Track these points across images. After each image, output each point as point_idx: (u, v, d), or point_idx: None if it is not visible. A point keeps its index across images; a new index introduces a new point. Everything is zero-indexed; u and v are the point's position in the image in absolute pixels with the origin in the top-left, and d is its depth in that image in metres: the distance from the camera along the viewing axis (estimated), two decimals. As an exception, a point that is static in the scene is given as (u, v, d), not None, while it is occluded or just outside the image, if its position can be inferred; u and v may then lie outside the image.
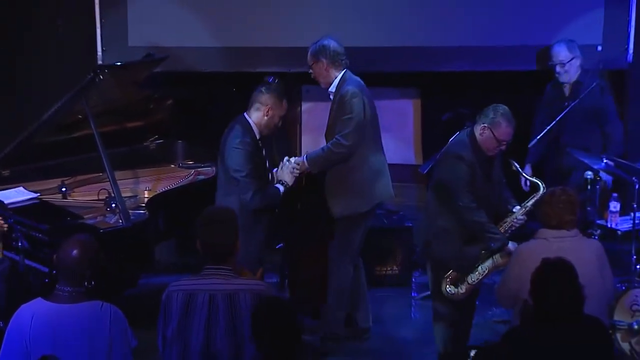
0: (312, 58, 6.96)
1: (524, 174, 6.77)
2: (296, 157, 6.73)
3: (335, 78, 6.92)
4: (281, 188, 6.51)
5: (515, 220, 6.37)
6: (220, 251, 4.94)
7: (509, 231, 6.36)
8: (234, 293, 4.77)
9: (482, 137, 6.25)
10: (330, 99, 6.96)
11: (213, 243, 4.95)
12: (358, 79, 7.01)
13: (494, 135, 6.20)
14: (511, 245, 6.24)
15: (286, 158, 6.65)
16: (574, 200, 5.76)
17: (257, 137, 6.53)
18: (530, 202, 6.39)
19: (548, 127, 7.68)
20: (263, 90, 6.56)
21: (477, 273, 6.30)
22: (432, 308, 6.67)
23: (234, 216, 5.30)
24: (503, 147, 6.34)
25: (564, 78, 7.89)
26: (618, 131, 7.98)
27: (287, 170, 6.61)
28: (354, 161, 6.89)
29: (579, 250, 5.51)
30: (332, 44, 6.93)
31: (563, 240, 5.57)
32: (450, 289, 6.35)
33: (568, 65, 7.86)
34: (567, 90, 7.96)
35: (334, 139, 6.82)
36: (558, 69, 7.87)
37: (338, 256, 7.06)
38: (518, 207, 6.41)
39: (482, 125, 6.24)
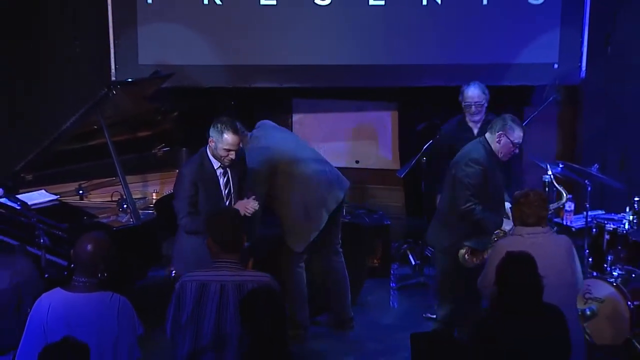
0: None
1: (555, 184, 6.89)
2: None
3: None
4: None
5: None
6: (228, 246, 4.97)
7: None
8: (242, 283, 4.81)
9: (499, 144, 6.44)
10: None
11: (222, 240, 4.98)
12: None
13: (510, 140, 6.40)
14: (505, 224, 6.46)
15: (252, 197, 6.31)
16: (545, 198, 5.88)
17: (215, 166, 6.22)
18: (554, 207, 6.68)
19: None
20: (214, 123, 6.21)
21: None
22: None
23: (238, 215, 5.32)
24: (517, 151, 6.60)
25: (477, 118, 7.48)
26: (519, 167, 7.69)
27: (243, 205, 6.23)
28: (284, 204, 6.83)
29: (550, 245, 5.55)
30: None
31: (537, 236, 5.57)
32: (467, 257, 6.44)
33: (482, 106, 7.49)
34: (475, 128, 7.49)
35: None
36: (474, 109, 7.44)
37: (291, 265, 6.93)
38: None
39: (498, 133, 6.42)
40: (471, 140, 6.99)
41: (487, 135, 6.52)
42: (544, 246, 5.40)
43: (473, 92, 7.42)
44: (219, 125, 6.15)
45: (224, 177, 6.30)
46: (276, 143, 6.89)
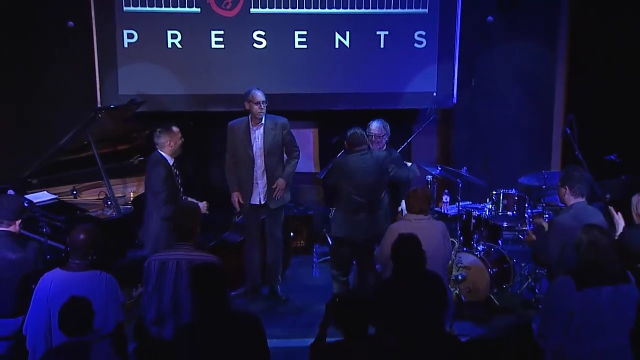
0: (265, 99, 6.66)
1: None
2: None
3: None
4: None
5: None
6: (184, 232, 4.93)
7: None
8: (193, 261, 4.77)
9: None
10: (260, 125, 6.72)
11: (180, 227, 4.95)
12: None
13: None
14: None
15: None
16: (429, 194, 6.02)
17: (170, 163, 6.27)
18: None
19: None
20: (158, 134, 6.30)
21: None
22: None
23: (196, 209, 5.28)
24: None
25: (376, 147, 6.87)
26: (404, 174, 6.84)
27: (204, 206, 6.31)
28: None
29: (430, 228, 5.67)
30: None
31: (420, 221, 5.70)
32: None
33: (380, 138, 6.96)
34: None
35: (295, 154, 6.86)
36: (374, 138, 6.91)
37: (279, 235, 7.02)
38: None
39: None
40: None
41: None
42: (426, 229, 5.50)
43: (373, 126, 7.02)
44: (167, 130, 6.29)
45: (176, 170, 6.37)
46: None
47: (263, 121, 6.74)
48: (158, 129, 6.34)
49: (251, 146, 6.72)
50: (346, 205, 6.48)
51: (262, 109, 6.67)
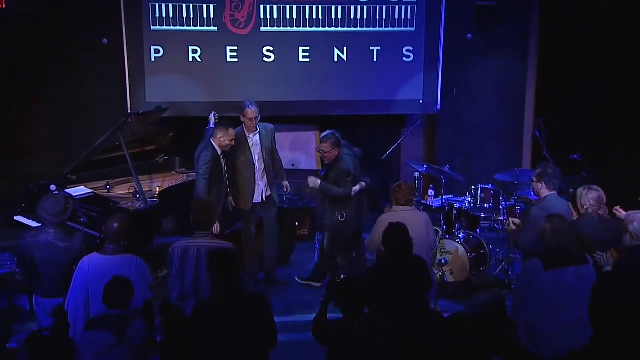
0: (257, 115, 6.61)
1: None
2: None
3: None
4: None
5: None
6: (202, 223, 4.94)
7: None
8: (211, 247, 4.77)
9: None
10: (255, 133, 6.65)
11: (198, 217, 4.96)
12: None
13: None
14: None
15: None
16: (413, 187, 5.96)
17: (219, 152, 6.34)
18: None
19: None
20: (213, 128, 6.44)
21: None
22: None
23: (212, 202, 5.29)
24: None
25: None
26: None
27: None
28: None
29: (415, 218, 5.63)
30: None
31: (406, 212, 5.66)
32: None
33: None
34: None
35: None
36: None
37: (276, 229, 6.98)
38: None
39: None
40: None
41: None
42: (411, 219, 5.44)
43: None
44: (222, 127, 6.36)
45: (223, 160, 6.39)
46: None
47: (258, 128, 6.69)
48: (221, 123, 6.46)
49: (251, 151, 6.66)
50: (355, 201, 6.48)
51: (254, 123, 6.61)
